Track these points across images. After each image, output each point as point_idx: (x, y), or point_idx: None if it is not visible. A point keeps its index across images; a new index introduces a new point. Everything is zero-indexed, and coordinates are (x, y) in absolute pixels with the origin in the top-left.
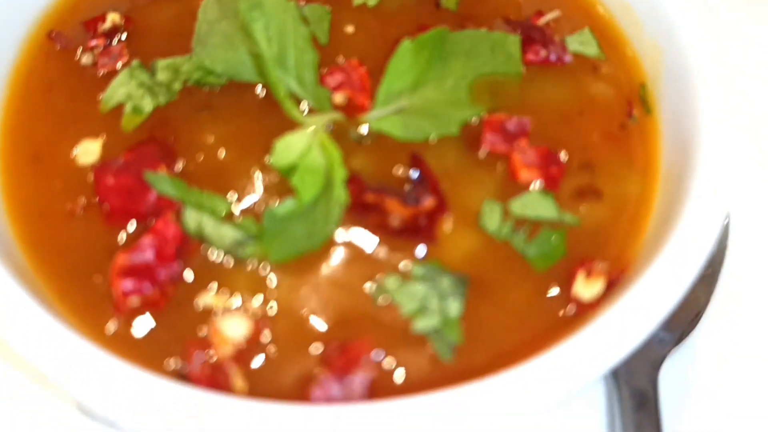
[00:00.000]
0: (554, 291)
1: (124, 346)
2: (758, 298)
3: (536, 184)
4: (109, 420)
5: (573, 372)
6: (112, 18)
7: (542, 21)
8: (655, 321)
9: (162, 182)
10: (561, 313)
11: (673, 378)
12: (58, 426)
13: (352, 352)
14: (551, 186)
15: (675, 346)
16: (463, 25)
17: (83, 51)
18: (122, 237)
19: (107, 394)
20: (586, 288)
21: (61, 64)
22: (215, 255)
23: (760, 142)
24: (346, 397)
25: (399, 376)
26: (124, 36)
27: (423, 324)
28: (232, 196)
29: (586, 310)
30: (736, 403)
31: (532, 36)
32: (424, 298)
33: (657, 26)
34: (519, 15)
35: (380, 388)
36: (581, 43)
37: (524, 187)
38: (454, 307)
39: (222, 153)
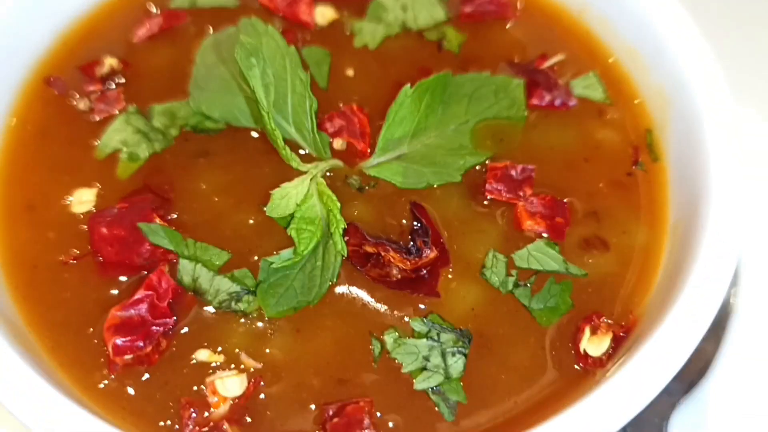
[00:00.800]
0: (560, 347)
1: (116, 403)
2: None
3: (541, 234)
4: None
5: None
6: (110, 62)
7: (547, 64)
8: (664, 381)
9: (156, 233)
10: (568, 371)
11: (682, 429)
12: None
13: (352, 414)
14: (557, 237)
15: (683, 397)
16: (465, 68)
17: (80, 96)
18: (116, 290)
19: None
20: (592, 344)
21: (57, 109)
22: (210, 309)
23: None
24: None
25: None
26: (121, 80)
27: (424, 383)
28: (228, 247)
29: (594, 367)
30: None
31: (536, 80)
32: (425, 356)
33: (664, 72)
34: (523, 58)
35: None
36: (586, 87)
37: (529, 238)
38: (457, 365)
39: (218, 202)
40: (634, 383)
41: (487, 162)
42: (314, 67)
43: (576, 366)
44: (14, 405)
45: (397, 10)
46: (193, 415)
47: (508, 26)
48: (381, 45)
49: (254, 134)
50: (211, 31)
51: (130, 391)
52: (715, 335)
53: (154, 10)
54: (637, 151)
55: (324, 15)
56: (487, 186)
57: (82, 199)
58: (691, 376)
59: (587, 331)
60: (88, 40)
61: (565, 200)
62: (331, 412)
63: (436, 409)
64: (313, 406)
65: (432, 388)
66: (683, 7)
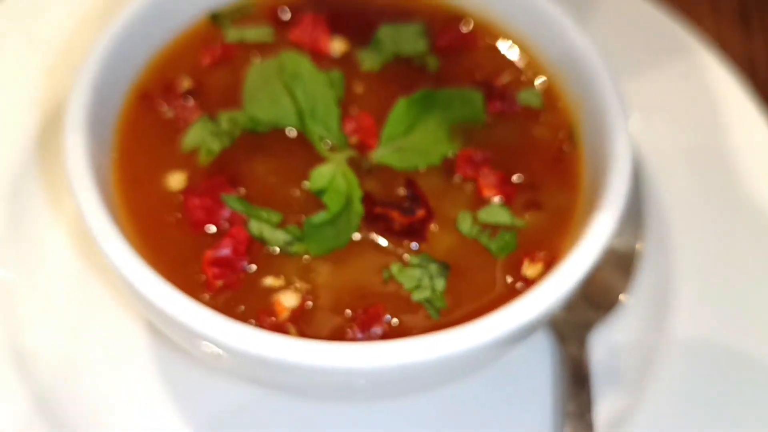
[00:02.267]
0: (509, 272)
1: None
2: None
3: (496, 199)
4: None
5: (521, 317)
6: (186, 83)
7: (499, 81)
8: (571, 286)
9: (233, 202)
10: (512, 287)
11: (602, 344)
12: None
13: (372, 314)
14: (506, 200)
15: (604, 315)
16: (442, 85)
17: (167, 108)
18: (207, 240)
19: (214, 336)
20: (530, 270)
21: (153, 117)
22: (273, 251)
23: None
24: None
25: (402, 329)
26: (195, 96)
27: (419, 296)
28: (281, 210)
29: (531, 284)
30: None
31: (491, 92)
32: (419, 279)
33: (581, 88)
34: (483, 76)
35: (390, 338)
36: (528, 97)
37: (487, 202)
38: (440, 284)
39: (272, 180)
40: (554, 288)
41: (457, 151)
42: (334, 87)
43: (517, 284)
44: (157, 302)
45: (392, 42)
46: (267, 318)
47: (474, 51)
48: (381, 69)
49: (293, 135)
50: (256, 59)
51: (224, 304)
52: (625, 276)
53: (215, 43)
54: (562, 141)
55: (338, 47)
56: (458, 167)
57: (176, 179)
58: (612, 298)
59: (527, 261)
60: (170, 65)
61: (513, 176)
62: (359, 312)
63: (427, 312)
64: (346, 311)
65: (424, 299)
66: (593, 43)
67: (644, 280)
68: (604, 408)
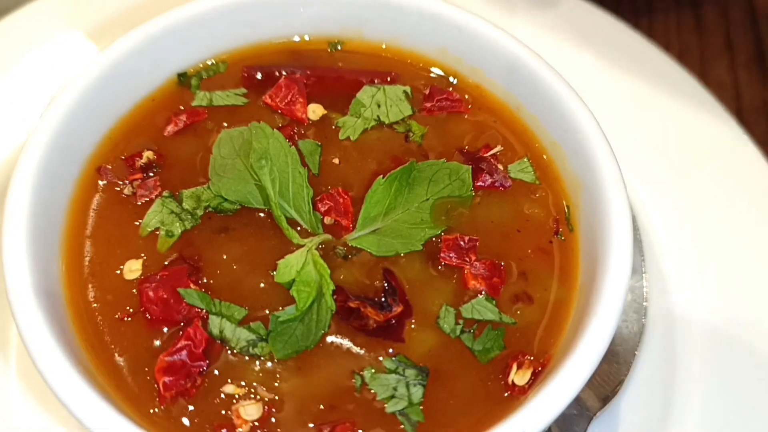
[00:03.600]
0: (495, 379)
1: (165, 427)
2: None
3: (482, 292)
4: None
5: None
6: (147, 155)
7: (489, 153)
8: (567, 399)
9: (191, 296)
10: (499, 397)
11: None
12: None
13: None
14: (494, 293)
15: (599, 411)
16: (426, 155)
17: (125, 184)
18: (160, 340)
19: None
20: (518, 377)
21: (108, 195)
22: (233, 353)
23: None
24: None
25: None
26: (157, 170)
27: (393, 407)
28: (245, 304)
29: (519, 394)
30: None
31: (480, 165)
32: (394, 387)
33: (579, 162)
34: (471, 147)
35: None
36: (520, 171)
37: (473, 294)
38: (418, 393)
39: (237, 269)
40: (545, 402)
41: (441, 234)
42: (308, 157)
43: (505, 393)
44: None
45: (373, 107)
46: None
47: (462, 118)
48: (360, 137)
49: (262, 214)
50: (226, 125)
51: (176, 418)
52: (626, 362)
53: (180, 107)
54: (557, 223)
55: (315, 112)
56: (442, 254)
57: (132, 268)
58: (606, 393)
59: (515, 366)
60: (129, 136)
61: (501, 264)
62: (326, 429)
63: (402, 427)
64: (311, 425)
65: (399, 411)
66: (592, 115)
67: (646, 365)
68: None
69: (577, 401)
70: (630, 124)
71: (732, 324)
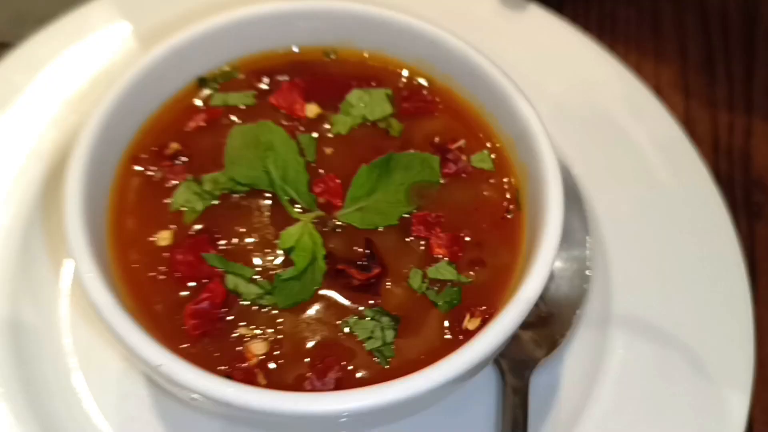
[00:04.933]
0: (452, 325)
1: (193, 358)
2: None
3: (445, 257)
4: (177, 395)
5: (460, 364)
6: (173, 146)
7: (455, 146)
8: (503, 336)
9: (212, 259)
10: (454, 339)
11: (542, 381)
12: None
13: (328, 363)
14: (454, 259)
15: (544, 358)
16: (403, 147)
17: (156, 170)
18: (189, 293)
19: (189, 384)
20: (470, 323)
21: (142, 179)
22: (245, 303)
23: None
24: (324, 389)
25: (355, 376)
26: (183, 158)
27: (371, 345)
28: (255, 265)
29: (470, 336)
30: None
31: (447, 156)
32: (371, 330)
33: (527, 155)
34: (441, 141)
35: (345, 383)
36: (480, 161)
37: (437, 259)
38: (390, 335)
39: (248, 238)
40: (486, 339)
41: (414, 211)
42: (306, 148)
43: (460, 336)
44: (141, 353)
45: (360, 106)
46: (236, 364)
47: (434, 116)
48: (349, 132)
49: (268, 195)
50: (238, 121)
51: (201, 350)
52: (567, 321)
53: (200, 106)
54: (509, 203)
55: (311, 110)
56: (413, 227)
57: (163, 237)
58: (553, 342)
59: (468, 316)
60: (158, 130)
61: (461, 235)
62: (317, 362)
63: (377, 360)
64: (307, 359)
65: (375, 348)
66: (536, 113)
67: (584, 325)
68: None
69: (527, 350)
70: (590, 128)
71: (655, 291)
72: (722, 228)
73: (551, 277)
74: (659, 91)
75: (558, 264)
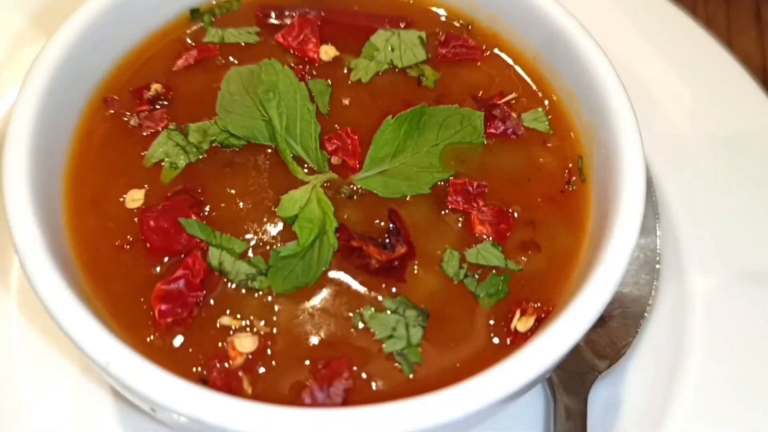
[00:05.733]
0: (497, 325)
1: (159, 354)
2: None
3: (488, 237)
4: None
5: (509, 380)
6: (155, 87)
7: (503, 101)
8: (566, 347)
9: (192, 227)
10: (501, 343)
11: (602, 398)
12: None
13: (335, 367)
14: (500, 239)
15: (605, 371)
16: (439, 101)
17: (131, 115)
18: (160, 268)
19: (144, 391)
20: (520, 323)
21: (114, 125)
22: (232, 286)
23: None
24: (328, 403)
25: (370, 387)
26: (164, 103)
27: (391, 347)
28: (247, 238)
29: (521, 340)
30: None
31: (494, 113)
32: (393, 327)
33: (593, 113)
34: (485, 94)
35: (356, 397)
36: (534, 120)
37: (479, 239)
38: (417, 334)
39: (240, 203)
40: (543, 348)
41: (450, 178)
42: (318, 96)
43: (507, 340)
44: (86, 347)
45: (387, 50)
46: (217, 365)
47: (477, 65)
48: (372, 80)
49: (269, 151)
50: (236, 62)
51: (171, 346)
52: (635, 324)
53: (190, 42)
54: (570, 173)
55: (327, 53)
56: (449, 198)
57: (134, 198)
58: (611, 357)
59: (518, 313)
60: (138, 67)
61: (509, 210)
62: (320, 366)
63: (399, 366)
64: (307, 362)
65: (397, 351)
66: (610, 64)
67: (654, 329)
68: None
69: (584, 360)
70: (657, 91)
71: (740, 295)
72: None
73: None
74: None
75: None
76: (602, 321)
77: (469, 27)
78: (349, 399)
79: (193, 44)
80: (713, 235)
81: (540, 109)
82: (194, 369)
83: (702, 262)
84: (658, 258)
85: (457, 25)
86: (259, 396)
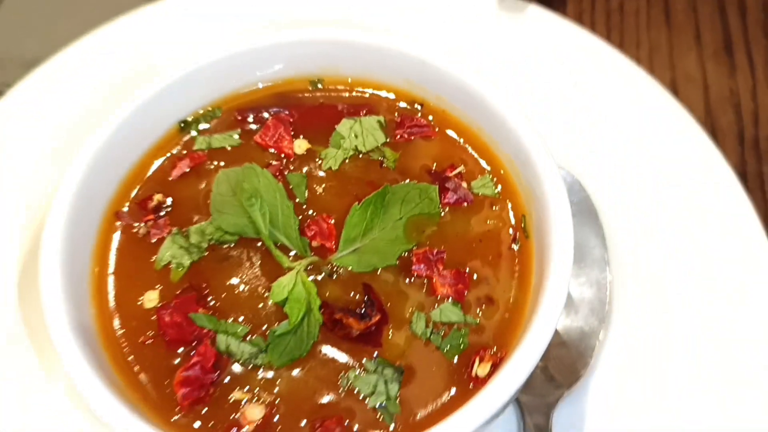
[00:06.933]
0: (460, 372)
1: (185, 430)
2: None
3: (449, 298)
4: None
5: (472, 419)
6: (157, 197)
7: (454, 173)
8: (516, 385)
9: (201, 320)
10: (465, 388)
11: (565, 414)
12: None
13: (328, 426)
14: (459, 298)
15: (567, 390)
16: (399, 178)
17: (140, 225)
18: (178, 358)
19: None
20: (480, 369)
21: (127, 235)
22: (239, 365)
23: None
24: None
25: None
26: (167, 210)
27: (374, 402)
28: (246, 322)
29: (481, 384)
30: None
31: (446, 185)
32: (374, 384)
33: (530, 178)
34: (439, 167)
35: None
36: (482, 186)
37: (441, 300)
38: (394, 388)
39: (238, 292)
40: (497, 389)
41: (414, 248)
42: (296, 188)
43: (470, 385)
44: (113, 423)
45: (351, 137)
46: None
47: (431, 140)
48: (341, 166)
49: (259, 243)
50: (223, 164)
51: (194, 423)
52: (588, 352)
53: (183, 151)
54: (515, 231)
55: (300, 146)
56: (414, 267)
57: (150, 298)
58: (571, 379)
59: (477, 360)
60: (140, 182)
61: (465, 271)
62: (316, 425)
63: (381, 417)
64: (304, 422)
65: (379, 404)
66: (536, 133)
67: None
68: None
69: (549, 384)
70: (599, 133)
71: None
72: (751, 230)
73: (570, 303)
74: (675, 84)
75: (576, 288)
76: (564, 351)
77: (421, 105)
78: None
79: (185, 152)
80: (658, 250)
81: (487, 176)
82: None
83: (648, 288)
84: (608, 286)
85: (409, 107)
86: None
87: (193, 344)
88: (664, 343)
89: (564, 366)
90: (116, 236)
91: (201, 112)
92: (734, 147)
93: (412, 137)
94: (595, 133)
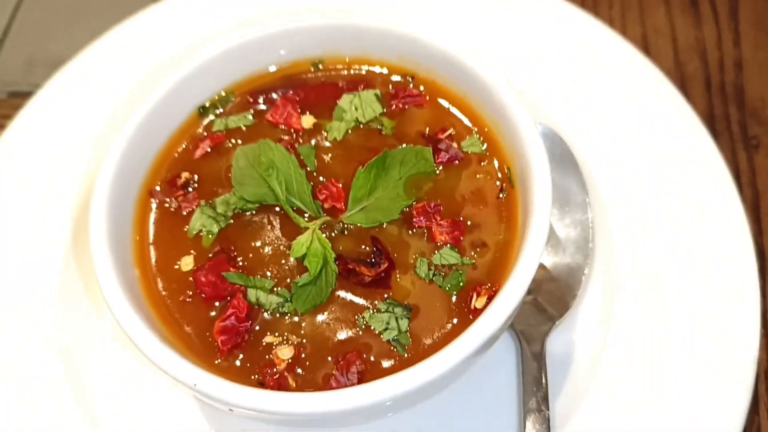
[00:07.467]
0: (461, 307)
1: (227, 371)
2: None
3: (447, 244)
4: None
5: (472, 342)
6: (185, 175)
7: (445, 135)
8: (508, 310)
9: (232, 277)
10: (465, 318)
11: (558, 341)
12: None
13: (350, 359)
14: (456, 243)
15: (558, 320)
16: (396, 144)
17: (171, 200)
18: (214, 311)
19: (224, 398)
20: (478, 302)
21: (161, 210)
22: (268, 314)
23: None
24: (349, 384)
25: (377, 367)
26: (194, 186)
27: (387, 336)
28: (272, 277)
29: (478, 314)
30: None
31: (439, 146)
32: (387, 321)
33: (513, 136)
34: (431, 132)
35: (368, 376)
36: (471, 145)
37: (440, 246)
38: (404, 323)
39: (263, 252)
40: (492, 315)
41: (413, 204)
42: (306, 159)
43: (470, 316)
44: (176, 375)
45: (352, 110)
46: (268, 371)
47: (423, 109)
48: (344, 137)
49: (277, 209)
50: (240, 142)
51: (233, 363)
52: (577, 284)
53: (204, 133)
54: (502, 182)
55: (307, 122)
56: (414, 219)
57: (186, 263)
58: (564, 306)
59: (474, 295)
60: (168, 163)
61: (461, 219)
62: (339, 359)
63: (394, 349)
64: (329, 358)
65: (392, 338)
66: (516, 96)
67: (590, 287)
68: (560, 400)
69: (541, 314)
70: (583, 100)
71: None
72: (719, 175)
73: (557, 242)
74: (645, 38)
75: (562, 230)
76: (554, 285)
77: (413, 78)
78: (364, 378)
79: (206, 134)
80: (634, 195)
81: (474, 136)
82: (252, 377)
83: (626, 227)
84: (591, 225)
85: (402, 80)
86: (300, 388)
87: (228, 299)
88: (645, 274)
89: (554, 298)
90: (152, 212)
91: (217, 97)
92: (702, 93)
93: (406, 106)
94: (579, 94)
